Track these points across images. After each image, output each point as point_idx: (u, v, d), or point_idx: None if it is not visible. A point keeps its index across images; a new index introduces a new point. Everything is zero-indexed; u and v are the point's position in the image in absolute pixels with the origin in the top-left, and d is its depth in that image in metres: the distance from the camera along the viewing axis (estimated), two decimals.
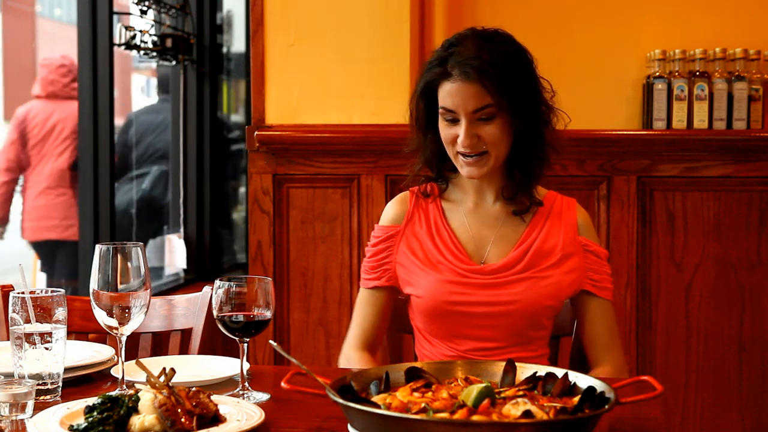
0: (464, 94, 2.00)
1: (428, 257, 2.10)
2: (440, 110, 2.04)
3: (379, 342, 2.18)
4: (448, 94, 2.02)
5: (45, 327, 1.74)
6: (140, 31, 3.91)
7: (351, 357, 2.12)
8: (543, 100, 2.09)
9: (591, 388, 1.54)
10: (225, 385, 1.86)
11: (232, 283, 1.79)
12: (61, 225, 4.73)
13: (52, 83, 4.81)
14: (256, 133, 3.11)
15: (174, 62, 4.30)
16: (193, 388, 1.57)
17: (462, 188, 2.16)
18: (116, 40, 3.71)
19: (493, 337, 2.06)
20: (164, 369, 1.55)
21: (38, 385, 1.72)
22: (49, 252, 4.86)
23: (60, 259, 4.84)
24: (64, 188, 4.76)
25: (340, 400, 1.47)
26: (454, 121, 2.03)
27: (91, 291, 1.76)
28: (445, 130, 2.05)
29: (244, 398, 1.75)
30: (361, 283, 2.19)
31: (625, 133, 3.16)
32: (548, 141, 2.10)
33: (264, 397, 1.77)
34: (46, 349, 1.74)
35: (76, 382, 1.89)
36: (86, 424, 1.50)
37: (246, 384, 1.79)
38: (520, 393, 1.55)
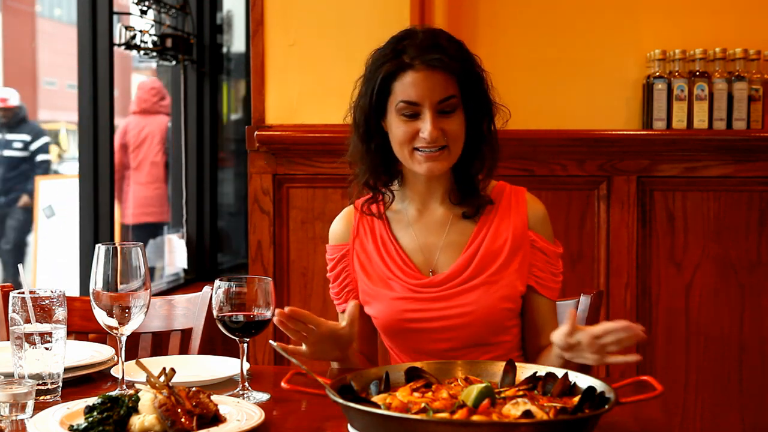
0: (429, 84, 1.92)
1: (378, 275, 2.04)
2: (399, 105, 1.94)
3: (369, 351, 2.13)
4: (410, 85, 1.92)
5: (45, 327, 1.74)
6: (140, 31, 3.91)
7: None
8: (491, 97, 2.02)
9: (591, 388, 1.54)
10: (225, 385, 1.86)
11: (232, 283, 1.79)
12: (156, 211, 5.53)
13: (145, 101, 5.57)
14: (256, 133, 3.11)
15: (174, 62, 4.30)
16: (193, 388, 1.57)
17: (405, 197, 2.07)
18: (116, 40, 3.71)
19: (453, 347, 1.99)
20: (164, 369, 1.55)
21: (38, 385, 1.72)
22: (144, 233, 5.63)
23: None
24: (158, 183, 5.59)
25: (340, 400, 1.47)
26: (413, 117, 1.93)
27: (91, 291, 1.76)
28: (401, 127, 1.94)
29: (244, 398, 1.75)
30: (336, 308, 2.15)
31: (625, 133, 3.16)
32: (495, 143, 2.02)
33: (264, 397, 1.77)
34: (46, 349, 1.74)
35: (76, 382, 1.89)
36: (86, 424, 1.50)
37: (246, 384, 1.79)
38: (520, 393, 1.55)
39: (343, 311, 2.02)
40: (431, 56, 1.92)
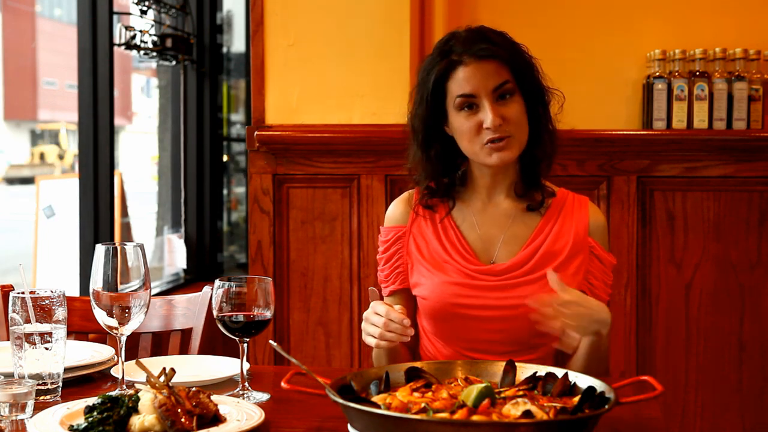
0: (483, 73, 1.96)
1: (434, 258, 2.06)
2: (457, 101, 1.98)
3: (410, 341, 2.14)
4: (464, 79, 1.97)
5: (45, 327, 1.74)
6: (140, 31, 3.91)
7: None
8: (544, 84, 2.06)
9: (591, 388, 1.54)
10: (225, 385, 1.86)
11: (232, 283, 1.79)
12: None
13: None
14: (256, 133, 3.11)
15: (174, 62, 4.31)
16: (193, 388, 1.57)
17: (472, 189, 2.10)
18: (116, 40, 3.71)
19: (499, 340, 2.01)
20: (164, 369, 1.55)
21: (38, 385, 1.73)
22: None
23: None
24: None
25: (340, 400, 1.47)
26: (474, 109, 1.97)
27: (91, 291, 1.76)
28: (465, 123, 1.98)
29: (244, 398, 1.75)
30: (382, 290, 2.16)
31: (625, 133, 3.16)
32: (553, 130, 2.07)
33: (264, 397, 1.78)
34: (46, 349, 1.74)
35: (76, 382, 1.89)
36: (86, 424, 1.50)
37: (246, 384, 1.79)
38: (520, 393, 1.56)
39: (390, 294, 2.09)
40: (478, 47, 1.97)
